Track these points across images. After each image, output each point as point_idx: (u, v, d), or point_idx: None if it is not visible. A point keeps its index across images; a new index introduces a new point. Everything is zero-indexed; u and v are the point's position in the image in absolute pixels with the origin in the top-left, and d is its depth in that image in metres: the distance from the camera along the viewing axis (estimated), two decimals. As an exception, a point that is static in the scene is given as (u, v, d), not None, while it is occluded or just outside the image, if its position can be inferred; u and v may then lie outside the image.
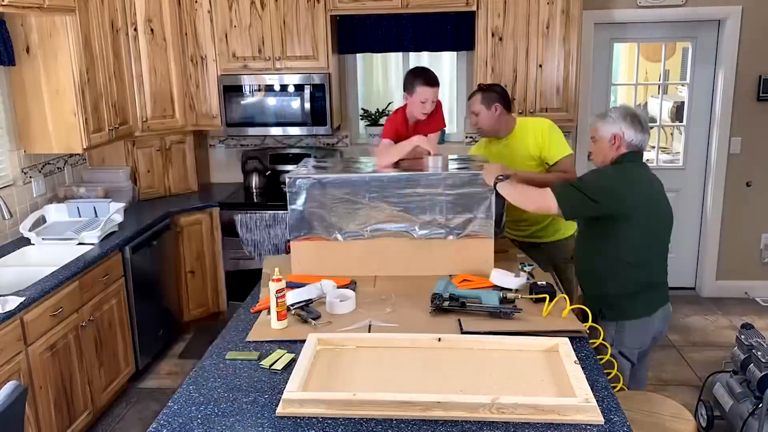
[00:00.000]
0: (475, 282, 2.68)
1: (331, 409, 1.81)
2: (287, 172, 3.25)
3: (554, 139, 3.27)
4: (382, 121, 4.90)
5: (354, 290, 2.72)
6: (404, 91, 3.23)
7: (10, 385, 2.03)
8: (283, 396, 1.85)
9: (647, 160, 5.23)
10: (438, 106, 3.39)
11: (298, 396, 1.85)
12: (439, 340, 2.18)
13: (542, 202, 2.62)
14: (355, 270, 2.90)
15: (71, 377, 3.23)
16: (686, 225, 5.13)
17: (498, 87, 3.40)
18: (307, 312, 2.45)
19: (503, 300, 2.46)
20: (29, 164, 3.89)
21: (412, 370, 2.04)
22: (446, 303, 2.45)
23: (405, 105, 3.27)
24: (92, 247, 3.56)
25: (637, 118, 2.61)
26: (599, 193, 2.54)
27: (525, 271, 2.83)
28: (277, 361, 2.13)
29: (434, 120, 3.37)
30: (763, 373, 2.98)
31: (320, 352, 2.16)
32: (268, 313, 2.50)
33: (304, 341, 2.18)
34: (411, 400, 1.80)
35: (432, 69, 3.29)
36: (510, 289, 2.58)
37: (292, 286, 2.75)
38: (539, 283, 2.63)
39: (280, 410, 1.83)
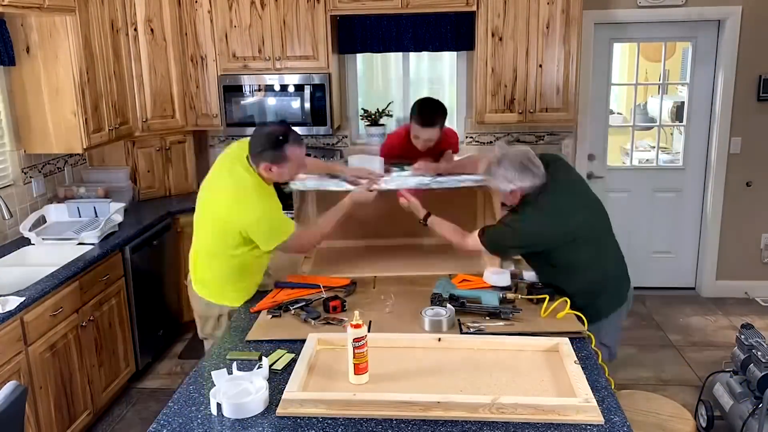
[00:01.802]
0: (474, 282, 2.67)
1: (331, 409, 1.82)
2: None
3: None
4: (383, 121, 4.90)
5: (354, 291, 2.72)
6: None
7: (10, 385, 2.03)
8: (283, 396, 1.85)
9: (647, 160, 5.26)
10: (449, 136, 3.44)
11: (298, 396, 1.85)
12: (439, 340, 2.18)
13: (467, 246, 2.71)
14: (355, 270, 2.91)
15: (71, 377, 3.23)
16: (686, 225, 5.13)
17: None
18: (307, 312, 2.45)
19: (503, 300, 2.46)
20: (29, 164, 3.89)
21: (412, 370, 2.04)
22: (446, 303, 2.45)
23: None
24: (92, 247, 3.56)
25: (526, 166, 2.51)
26: (529, 239, 2.56)
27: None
28: (277, 361, 2.12)
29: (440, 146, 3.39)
30: (763, 373, 2.98)
31: (320, 352, 2.16)
32: (268, 312, 2.51)
33: (304, 341, 2.18)
34: (411, 400, 1.80)
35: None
36: (509, 289, 2.58)
37: (291, 286, 2.75)
38: (537, 283, 2.64)
39: (280, 410, 1.83)
